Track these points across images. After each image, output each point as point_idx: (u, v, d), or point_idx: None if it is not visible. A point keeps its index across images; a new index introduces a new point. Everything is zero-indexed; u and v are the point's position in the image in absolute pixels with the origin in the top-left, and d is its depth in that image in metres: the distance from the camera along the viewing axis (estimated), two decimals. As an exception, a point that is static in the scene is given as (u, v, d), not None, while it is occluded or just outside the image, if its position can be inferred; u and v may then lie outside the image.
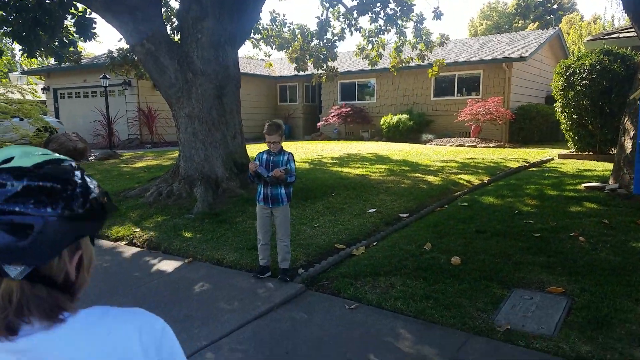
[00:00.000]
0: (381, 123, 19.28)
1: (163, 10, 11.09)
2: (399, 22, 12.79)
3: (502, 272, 4.33)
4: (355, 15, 12.57)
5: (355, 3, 11.86)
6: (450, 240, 5.24)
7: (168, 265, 4.75)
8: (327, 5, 12.17)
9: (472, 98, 17.76)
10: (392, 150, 14.60)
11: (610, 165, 8.85)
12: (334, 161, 11.77)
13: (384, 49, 13.67)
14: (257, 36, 13.97)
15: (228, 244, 5.20)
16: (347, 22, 12.78)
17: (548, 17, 43.46)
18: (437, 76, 15.52)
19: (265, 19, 43.40)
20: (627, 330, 3.24)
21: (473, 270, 4.35)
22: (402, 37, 13.29)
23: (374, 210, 6.55)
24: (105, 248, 5.41)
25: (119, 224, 6.14)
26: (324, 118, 21.01)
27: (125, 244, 5.53)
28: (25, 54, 10.22)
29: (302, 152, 14.38)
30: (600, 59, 11.44)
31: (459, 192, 8.02)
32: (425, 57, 13.43)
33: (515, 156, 12.86)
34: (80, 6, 9.48)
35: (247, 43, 13.93)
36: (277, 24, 13.86)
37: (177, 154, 8.14)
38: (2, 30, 10.13)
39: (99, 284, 4.31)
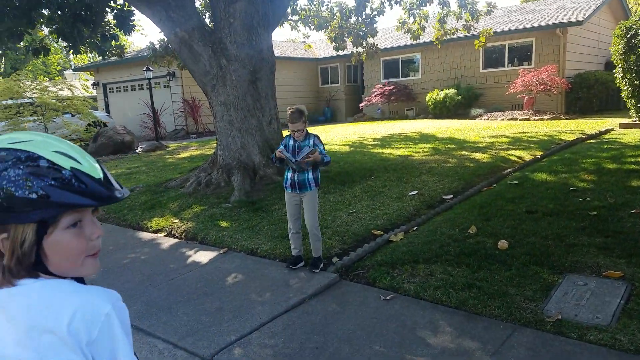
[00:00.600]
0: (427, 100, 18.61)
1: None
2: (442, -9, 12.15)
3: (554, 255, 3.97)
4: (394, -13, 12.05)
5: (393, -25, 11.34)
6: (497, 223, 4.89)
7: (203, 256, 4.74)
8: (364, -21, 11.72)
9: (524, 68, 16.73)
10: (438, 127, 14.04)
11: (681, 134, 8.01)
12: (376, 142, 11.45)
13: (427, 22, 13.04)
14: (295, 17, 13.74)
15: (263, 232, 5.12)
16: (386, -5, 12.27)
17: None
18: (485, 47, 14.69)
19: (302, -1, 42.33)
20: (701, 323, 2.85)
21: (521, 255, 4.02)
22: (445, 8, 12.62)
23: (415, 192, 6.25)
24: (145, 240, 5.49)
25: (159, 215, 6.22)
26: (366, 98, 20.55)
27: (165, 235, 5.59)
28: (71, 51, 10.58)
29: (343, 134, 14.13)
30: (667, 16, 10.36)
31: (508, 170, 7.53)
32: (472, 28, 12.69)
33: (571, 128, 11.99)
34: (118, -1, 9.63)
35: (286, 26, 13.70)
36: (314, 3, 13.54)
37: (216, 143, 8.16)
38: (48, 29, 10.50)
39: (137, 276, 4.36)
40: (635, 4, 29.89)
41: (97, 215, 1.03)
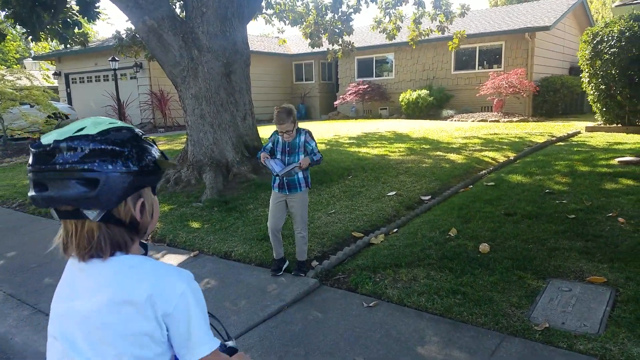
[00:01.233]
0: (400, 100, 18.64)
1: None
2: (417, -9, 12.12)
3: (536, 259, 3.91)
4: (370, -15, 11.94)
5: (369, -28, 11.23)
6: (477, 225, 4.82)
7: (172, 259, 4.45)
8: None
9: (494, 71, 16.97)
10: (412, 127, 14.05)
11: (646, 138, 8.22)
12: (352, 141, 11.32)
13: (402, 22, 13.00)
14: (270, 11, 13.44)
15: (237, 234, 4.87)
16: (362, -7, 12.16)
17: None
18: (457, 49, 14.79)
19: (278, -6, 41.93)
20: (689, 331, 2.81)
21: (504, 259, 3.94)
22: (420, 8, 12.61)
23: (394, 193, 6.14)
24: (109, 240, 5.15)
25: (125, 213, 5.86)
26: (341, 96, 20.42)
27: (131, 235, 5.25)
28: (29, 37, 9.94)
29: (319, 132, 13.94)
30: (630, 25, 10.68)
31: (483, 171, 7.53)
32: (445, 29, 12.73)
33: (540, 130, 12.20)
34: (82, -15, 9.10)
35: (260, 19, 13.38)
36: (289, -3, 13.30)
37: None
38: (4, 13, 9.84)
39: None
40: (596, 13, 30.95)
41: None
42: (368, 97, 19.45)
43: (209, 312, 1.18)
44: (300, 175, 3.79)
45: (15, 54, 30.48)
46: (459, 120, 16.27)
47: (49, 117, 13.80)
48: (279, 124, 3.65)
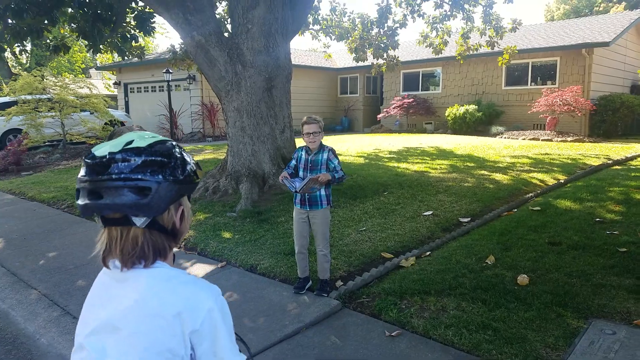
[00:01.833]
0: (446, 114, 18.22)
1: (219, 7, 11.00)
2: (466, 6, 11.85)
3: (579, 296, 3.61)
4: (418, 0, 11.80)
5: (418, -13, 11.10)
6: (517, 254, 4.54)
7: (200, 269, 4.48)
8: (388, -10, 11.49)
9: (547, 87, 16.26)
10: (457, 143, 13.66)
11: None
12: (392, 155, 11.14)
13: (450, 36, 12.74)
14: (317, 27, 13.57)
15: (265, 247, 4.85)
16: (409, 8, 12.03)
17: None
18: (508, 64, 14.31)
19: (324, 9, 44.26)
20: None
21: (543, 293, 3.67)
22: (469, 23, 12.32)
23: (430, 213, 5.93)
24: (143, 247, 5.26)
25: (162, 221, 5.99)
26: (384, 109, 20.24)
27: (164, 244, 5.35)
28: (91, 50, 10.54)
29: (359, 145, 13.84)
30: None
31: (530, 194, 7.16)
32: (495, 44, 12.35)
33: (596, 152, 11.50)
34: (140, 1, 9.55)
35: (307, 34, 13.54)
36: (336, 13, 13.37)
37: (230, 149, 7.92)
38: (69, 28, 10.48)
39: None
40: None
41: None
42: (413, 111, 19.15)
43: (238, 336, 1.21)
44: (323, 192, 3.72)
45: (81, 64, 32.50)
46: (508, 138, 15.67)
47: (106, 123, 14.52)
48: (307, 124, 3.66)
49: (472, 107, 17.35)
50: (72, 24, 10.11)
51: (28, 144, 12.62)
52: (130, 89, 21.88)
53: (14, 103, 12.90)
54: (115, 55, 11.30)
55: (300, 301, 3.72)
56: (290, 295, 3.83)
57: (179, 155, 1.09)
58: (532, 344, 3.01)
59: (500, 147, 12.49)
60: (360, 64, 14.92)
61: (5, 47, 9.43)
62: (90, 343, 1.07)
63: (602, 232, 5.03)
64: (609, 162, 10.04)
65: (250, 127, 7.10)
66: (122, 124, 15.57)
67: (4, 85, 14.55)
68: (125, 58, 11.83)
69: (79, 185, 1.07)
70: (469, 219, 5.86)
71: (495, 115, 17.51)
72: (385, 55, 12.91)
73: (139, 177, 1.02)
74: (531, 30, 19.49)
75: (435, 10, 12.08)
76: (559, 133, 15.34)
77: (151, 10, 9.72)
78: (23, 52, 14.66)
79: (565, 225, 5.33)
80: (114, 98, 24.52)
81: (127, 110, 21.37)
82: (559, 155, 11.01)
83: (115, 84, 22.47)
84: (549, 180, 8.09)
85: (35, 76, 13.35)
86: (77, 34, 10.04)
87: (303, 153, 3.77)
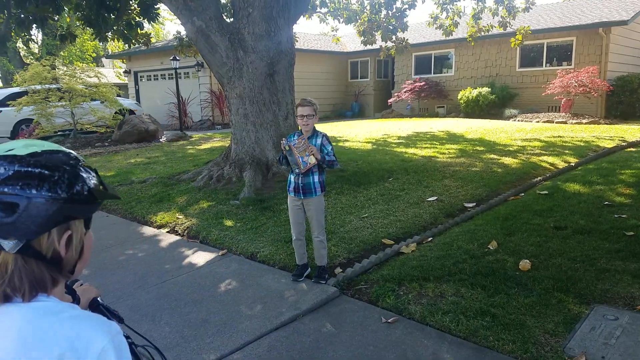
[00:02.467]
0: (459, 97, 17.93)
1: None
2: (477, -15, 11.56)
3: (582, 281, 3.53)
4: (426, -20, 11.53)
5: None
6: (521, 239, 4.45)
7: (201, 258, 4.49)
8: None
9: (563, 68, 15.86)
10: (469, 127, 13.44)
11: None
12: (400, 141, 11.01)
13: (460, 17, 12.46)
14: (324, 10, 13.37)
15: (266, 234, 4.83)
16: (417, -12, 11.76)
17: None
18: (522, 45, 13.97)
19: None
20: None
21: (545, 279, 3.59)
22: (480, 3, 12.03)
23: (435, 198, 5.85)
24: (146, 236, 5.29)
25: (166, 209, 6.02)
26: (396, 94, 19.99)
27: (167, 232, 5.37)
28: (97, 38, 10.54)
29: (368, 130, 13.72)
30: None
31: (539, 178, 7.02)
32: (508, 25, 12.05)
33: (610, 134, 11.21)
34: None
35: (314, 18, 13.36)
36: (344, -5, 13.15)
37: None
38: (75, 15, 10.46)
39: (129, 275, 4.14)
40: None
41: None
42: (424, 95, 18.88)
43: (151, 343, 1.11)
44: (316, 179, 3.69)
45: (92, 53, 32.66)
46: (522, 121, 15.37)
47: (116, 112, 14.60)
48: (301, 106, 3.63)
49: (485, 90, 17.03)
50: (78, 12, 10.12)
51: (39, 134, 12.75)
52: (140, 77, 21.94)
53: (25, 93, 13.00)
54: (122, 43, 11.31)
55: (298, 288, 3.71)
56: (288, 283, 3.82)
57: (68, 169, 0.93)
58: (531, 330, 2.95)
59: (512, 131, 12.26)
60: (370, 47, 14.71)
61: (13, 34, 9.45)
62: None
63: (610, 216, 4.90)
64: (623, 144, 9.78)
65: (253, 114, 7.05)
66: (132, 112, 15.62)
67: (16, 75, 14.67)
68: (132, 45, 11.83)
69: None
70: (474, 204, 5.76)
71: (509, 97, 17.16)
72: (394, 37, 12.68)
73: (5, 190, 0.86)
74: (546, 10, 18.97)
75: (444, -10, 11.81)
76: (574, 115, 15.00)
77: (155, -3, 9.67)
78: (31, 42, 14.69)
79: (572, 209, 5.21)
80: (124, 87, 24.66)
81: (137, 99, 21.45)
82: (572, 137, 10.76)
83: (125, 72, 22.55)
84: (560, 163, 7.91)
85: (44, 65, 13.42)
86: (82, 22, 10.04)
87: (296, 138, 3.73)
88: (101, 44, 32.94)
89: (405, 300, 3.41)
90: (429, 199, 5.81)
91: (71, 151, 0.97)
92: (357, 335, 3.04)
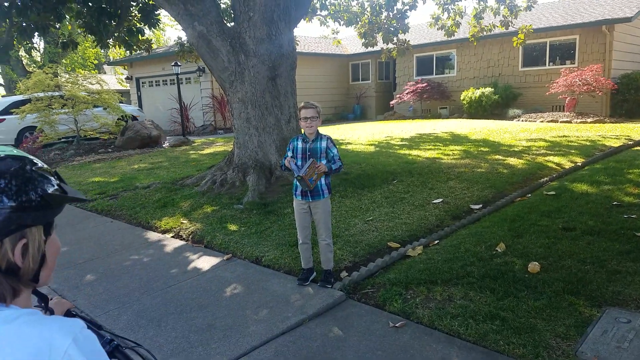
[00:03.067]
0: (462, 98, 17.86)
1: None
2: (478, -15, 11.51)
3: (592, 283, 3.47)
4: (427, -19, 11.51)
5: (426, -32, 10.80)
6: (529, 240, 4.39)
7: (206, 262, 4.45)
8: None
9: (566, 67, 15.78)
10: (472, 128, 13.38)
11: None
12: (403, 143, 10.96)
13: (462, 17, 12.40)
14: (324, 12, 13.36)
15: (271, 239, 4.79)
16: (418, -11, 11.73)
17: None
18: (525, 44, 13.90)
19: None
20: None
21: (555, 281, 3.53)
22: (482, 3, 11.97)
23: (440, 200, 5.79)
24: (151, 241, 5.26)
25: (170, 214, 5.99)
26: (397, 95, 19.94)
27: (172, 237, 5.34)
28: (99, 45, 10.56)
29: (370, 133, 13.67)
30: None
31: (545, 178, 6.95)
32: (510, 24, 11.98)
33: (616, 133, 11.13)
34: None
35: (315, 21, 13.34)
36: (345, -3, 13.13)
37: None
38: (76, 24, 10.50)
39: (134, 281, 4.11)
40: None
41: None
42: (427, 96, 18.82)
43: (132, 341, 1.09)
44: (323, 181, 3.64)
45: (94, 60, 32.77)
46: (526, 121, 15.29)
47: (119, 119, 14.61)
48: (305, 108, 3.60)
49: (488, 90, 16.96)
50: (79, 20, 10.14)
51: (43, 141, 12.76)
52: (142, 83, 21.99)
53: (28, 101, 13.05)
54: (125, 50, 11.33)
55: (304, 293, 3.66)
56: (294, 287, 3.77)
57: (16, 176, 0.88)
58: (542, 333, 2.89)
59: (516, 131, 12.19)
60: (371, 49, 14.68)
61: (15, 42, 9.47)
62: None
63: (619, 216, 4.83)
64: (629, 142, 9.69)
65: (256, 118, 7.01)
66: (135, 118, 15.64)
67: (19, 83, 14.70)
68: (133, 52, 11.85)
69: None
70: (480, 205, 5.70)
71: (512, 97, 17.09)
72: (395, 39, 12.64)
73: None
74: (548, 8, 18.90)
75: (445, -10, 11.77)
76: (579, 114, 14.91)
77: (153, 2, 9.67)
78: (33, 50, 14.71)
79: (581, 210, 5.14)
80: (126, 93, 24.71)
81: (139, 105, 21.49)
82: (578, 137, 10.68)
83: (127, 78, 22.61)
84: (566, 163, 7.84)
85: (47, 73, 13.46)
86: (83, 29, 10.06)
87: (299, 142, 3.68)
88: (102, 50, 33.08)
89: (412, 304, 3.35)
90: (434, 201, 5.75)
91: (26, 155, 0.92)
92: (365, 340, 2.99)
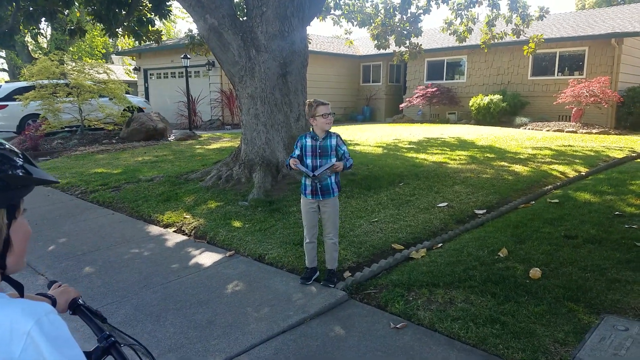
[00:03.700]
0: (470, 104, 17.85)
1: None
2: (492, -8, 11.51)
3: (592, 291, 3.49)
4: (442, -14, 11.50)
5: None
6: (531, 247, 4.41)
7: (208, 258, 4.47)
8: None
9: (574, 78, 15.75)
10: (480, 134, 13.37)
11: None
12: (411, 146, 10.97)
13: (474, 24, 12.41)
14: (338, 12, 13.37)
15: (275, 236, 4.81)
16: (433, -7, 11.74)
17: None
18: (535, 54, 13.90)
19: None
20: None
21: (555, 287, 3.55)
22: (495, 10, 11.97)
23: (445, 204, 5.81)
24: (153, 235, 5.28)
25: (173, 208, 6.01)
26: (407, 99, 19.94)
27: (174, 231, 5.35)
28: (108, 34, 10.56)
29: (379, 135, 13.69)
30: None
31: (549, 186, 6.95)
32: (521, 33, 11.98)
33: (620, 144, 11.12)
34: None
35: (328, 20, 13.34)
36: (359, -2, 13.14)
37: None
38: (85, 10, 10.45)
39: (134, 274, 4.12)
40: None
41: None
42: (436, 101, 18.81)
43: (132, 338, 1.07)
44: (333, 179, 3.67)
45: (102, 49, 32.84)
46: (532, 129, 15.28)
47: (124, 110, 14.62)
48: (322, 105, 3.60)
49: (496, 97, 16.95)
50: (88, 7, 10.11)
51: (46, 129, 12.67)
52: (150, 74, 22.04)
53: (32, 88, 12.92)
54: (133, 40, 11.31)
55: (306, 291, 3.68)
56: (297, 286, 3.79)
57: None
58: (541, 338, 2.91)
59: (522, 139, 12.19)
60: (383, 51, 14.69)
61: (21, 27, 9.45)
62: None
63: (621, 226, 4.85)
64: (633, 154, 9.70)
65: (264, 115, 7.04)
66: (141, 110, 15.67)
67: (24, 69, 14.71)
68: (142, 42, 11.85)
69: None
70: (485, 210, 5.72)
71: (520, 105, 17.08)
72: (407, 42, 12.66)
73: None
74: (559, 19, 18.87)
75: (459, -4, 11.78)
76: (585, 125, 14.89)
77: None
78: (40, 36, 14.68)
79: (583, 219, 5.15)
80: (133, 84, 24.77)
81: (146, 97, 21.54)
82: (583, 147, 10.67)
83: (135, 69, 22.65)
84: (570, 172, 7.85)
85: (52, 60, 13.40)
86: (92, 17, 10.03)
87: (308, 140, 3.69)
88: (111, 40, 33.19)
89: (414, 306, 3.37)
90: (439, 205, 5.77)
91: None
92: (365, 340, 3.01)
